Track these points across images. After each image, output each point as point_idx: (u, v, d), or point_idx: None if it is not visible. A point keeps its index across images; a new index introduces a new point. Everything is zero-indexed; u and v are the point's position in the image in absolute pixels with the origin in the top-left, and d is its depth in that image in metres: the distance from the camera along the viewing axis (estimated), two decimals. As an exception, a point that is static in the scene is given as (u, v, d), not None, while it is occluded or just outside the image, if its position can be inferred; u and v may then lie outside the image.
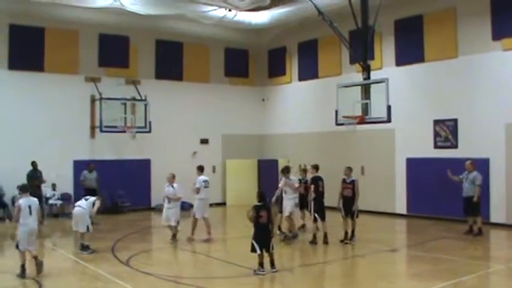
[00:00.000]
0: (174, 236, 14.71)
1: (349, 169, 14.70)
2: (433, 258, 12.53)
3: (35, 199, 11.28)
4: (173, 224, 14.62)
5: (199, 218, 14.98)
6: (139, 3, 19.31)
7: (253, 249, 10.99)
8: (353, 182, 14.44)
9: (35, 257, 10.87)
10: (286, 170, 14.98)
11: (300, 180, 15.80)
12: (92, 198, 13.56)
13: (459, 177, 15.61)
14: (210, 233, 15.01)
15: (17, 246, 10.92)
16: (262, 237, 10.97)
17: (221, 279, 11.10)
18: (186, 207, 17.76)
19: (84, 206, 13.30)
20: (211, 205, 20.07)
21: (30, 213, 10.83)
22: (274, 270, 11.02)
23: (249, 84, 25.63)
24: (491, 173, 16.84)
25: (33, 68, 20.08)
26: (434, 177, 17.71)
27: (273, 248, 11.08)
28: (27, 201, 10.94)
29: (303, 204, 15.63)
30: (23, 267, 10.76)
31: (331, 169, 21.05)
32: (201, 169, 15.47)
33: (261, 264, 10.95)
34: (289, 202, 14.79)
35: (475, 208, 15.23)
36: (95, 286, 10.38)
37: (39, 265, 10.82)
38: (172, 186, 14.73)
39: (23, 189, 11.27)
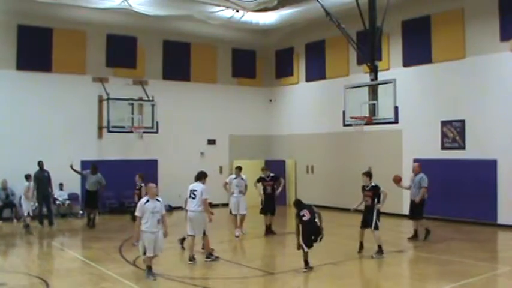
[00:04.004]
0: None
1: (366, 174, 13.08)
2: (440, 260, 12.51)
3: None
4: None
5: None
6: (147, 3, 19.41)
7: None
8: (373, 189, 12.80)
9: None
10: (202, 176, 12.48)
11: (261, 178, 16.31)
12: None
13: (408, 185, 15.45)
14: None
15: None
16: (307, 234, 11.12)
17: (229, 280, 11.08)
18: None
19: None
20: (217, 205, 20.13)
21: None
22: (304, 269, 11.16)
23: (256, 85, 25.63)
24: (499, 175, 16.81)
25: (41, 69, 20.18)
26: (441, 178, 17.62)
27: (317, 245, 11.16)
28: None
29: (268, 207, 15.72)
30: None
31: (339, 170, 21.15)
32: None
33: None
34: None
35: (417, 211, 14.97)
36: (102, 286, 10.40)
37: None
38: (158, 200, 10.89)
39: None
